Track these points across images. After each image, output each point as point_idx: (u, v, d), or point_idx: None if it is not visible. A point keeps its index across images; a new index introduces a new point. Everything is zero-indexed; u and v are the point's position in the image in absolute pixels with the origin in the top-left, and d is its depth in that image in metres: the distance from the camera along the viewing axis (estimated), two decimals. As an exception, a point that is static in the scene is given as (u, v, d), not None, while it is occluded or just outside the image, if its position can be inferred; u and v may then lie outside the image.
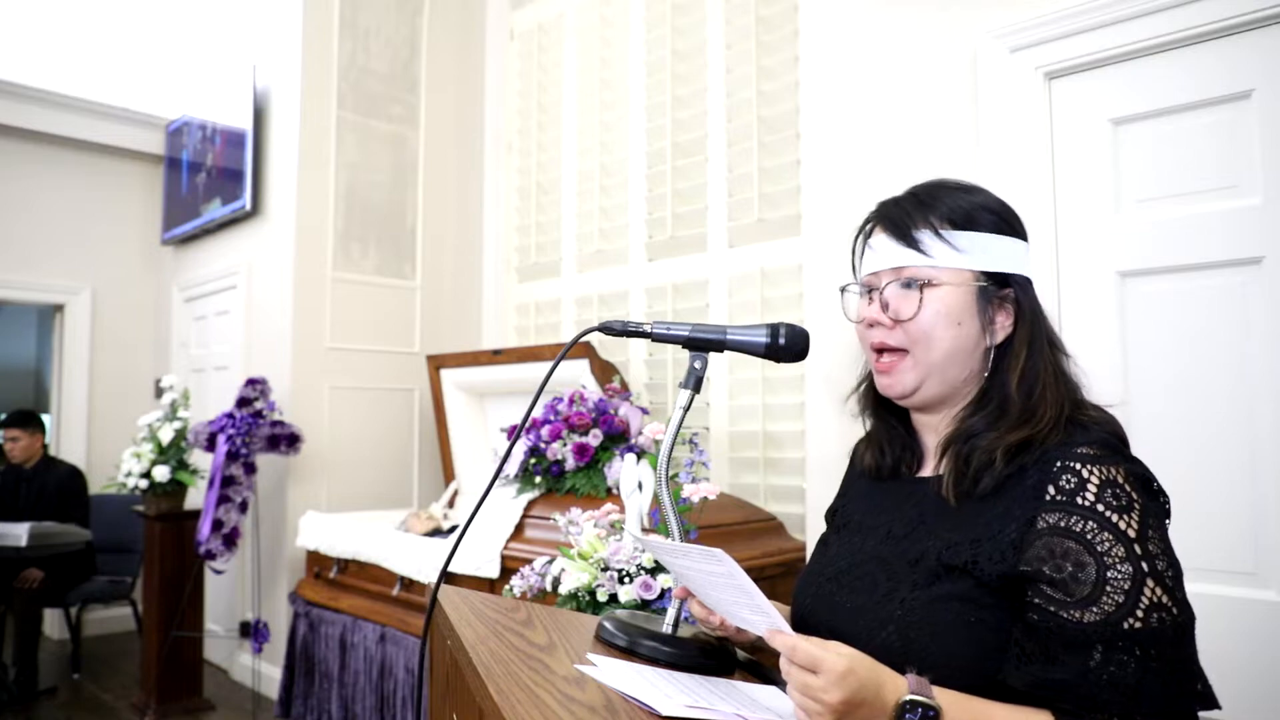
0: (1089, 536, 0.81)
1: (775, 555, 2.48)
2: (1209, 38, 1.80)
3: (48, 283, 4.98)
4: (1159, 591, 0.79)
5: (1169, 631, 0.78)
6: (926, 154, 2.24)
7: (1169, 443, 1.79)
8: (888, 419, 1.08)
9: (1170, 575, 0.80)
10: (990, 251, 0.96)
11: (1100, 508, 0.82)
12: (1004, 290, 0.97)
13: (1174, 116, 1.86)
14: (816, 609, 1.02)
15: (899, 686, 0.77)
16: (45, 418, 4.62)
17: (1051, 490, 0.85)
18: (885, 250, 0.99)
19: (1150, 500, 0.84)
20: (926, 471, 1.03)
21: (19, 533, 3.72)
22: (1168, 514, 0.87)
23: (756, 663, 1.04)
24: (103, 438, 5.06)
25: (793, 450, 2.83)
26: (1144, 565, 0.79)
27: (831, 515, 1.16)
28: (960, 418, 0.97)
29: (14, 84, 4.69)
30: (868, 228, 1.03)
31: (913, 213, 0.98)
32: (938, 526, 0.93)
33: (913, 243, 0.96)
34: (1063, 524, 0.83)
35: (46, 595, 4.08)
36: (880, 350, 1.00)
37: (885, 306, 0.98)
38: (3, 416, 4.50)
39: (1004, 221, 0.98)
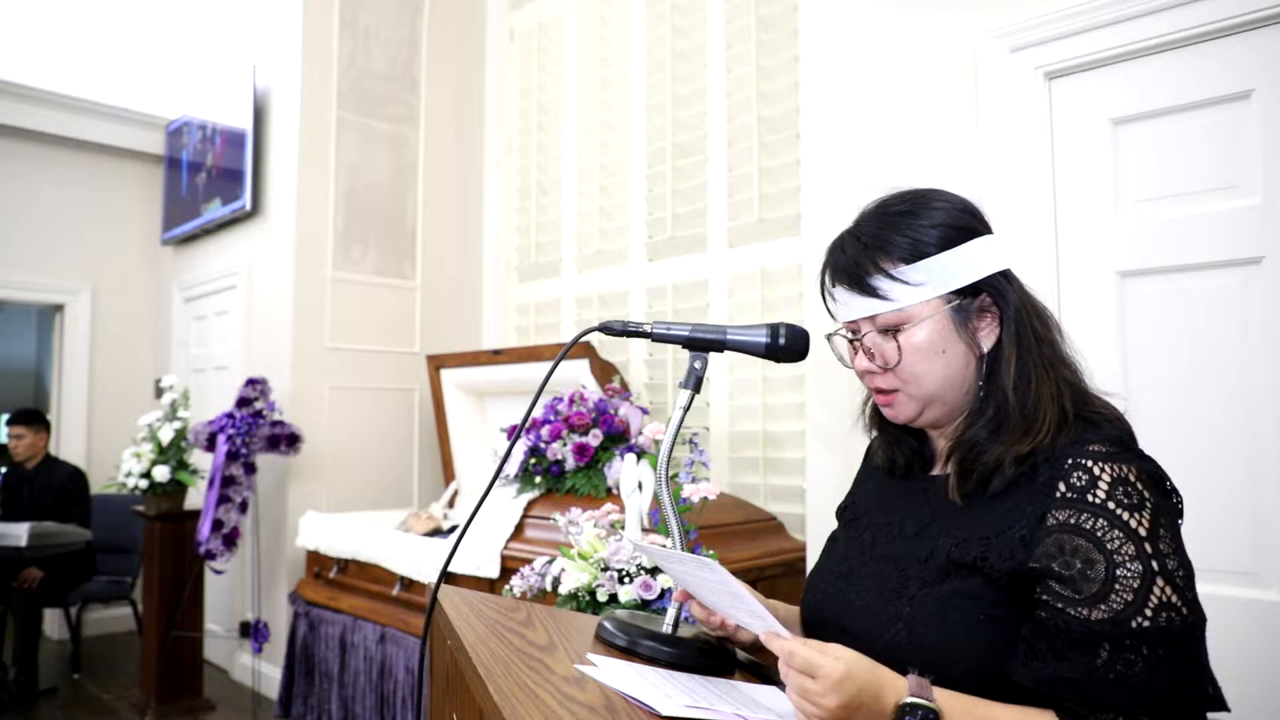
0: (1099, 534, 0.81)
1: (775, 555, 2.48)
2: (1209, 38, 1.80)
3: (48, 283, 4.98)
4: (1169, 591, 0.78)
5: (1178, 631, 0.77)
6: (926, 154, 2.24)
7: (1169, 443, 1.79)
8: (893, 430, 1.07)
9: (1181, 575, 0.80)
10: (950, 270, 0.93)
11: (1111, 505, 0.82)
12: (979, 298, 0.95)
13: (1174, 116, 1.86)
14: (826, 606, 1.02)
15: (899, 688, 0.77)
16: (48, 417, 4.62)
17: (1062, 487, 0.84)
18: (849, 302, 0.97)
19: (1162, 499, 0.84)
20: (937, 470, 1.03)
21: (19, 533, 3.73)
22: (1180, 513, 0.86)
23: (757, 663, 1.04)
24: (103, 438, 5.06)
25: (793, 450, 2.83)
26: (1154, 564, 0.79)
27: (842, 512, 1.16)
28: (962, 425, 0.96)
29: (14, 84, 4.69)
30: (825, 278, 1.01)
31: (861, 260, 0.95)
32: (948, 524, 0.93)
33: (871, 291, 0.94)
34: (1073, 521, 0.82)
35: (46, 595, 4.08)
36: (879, 390, 1.01)
37: (870, 355, 0.98)
38: (6, 416, 4.51)
39: (956, 230, 0.94)
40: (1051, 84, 2.04)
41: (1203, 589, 0.85)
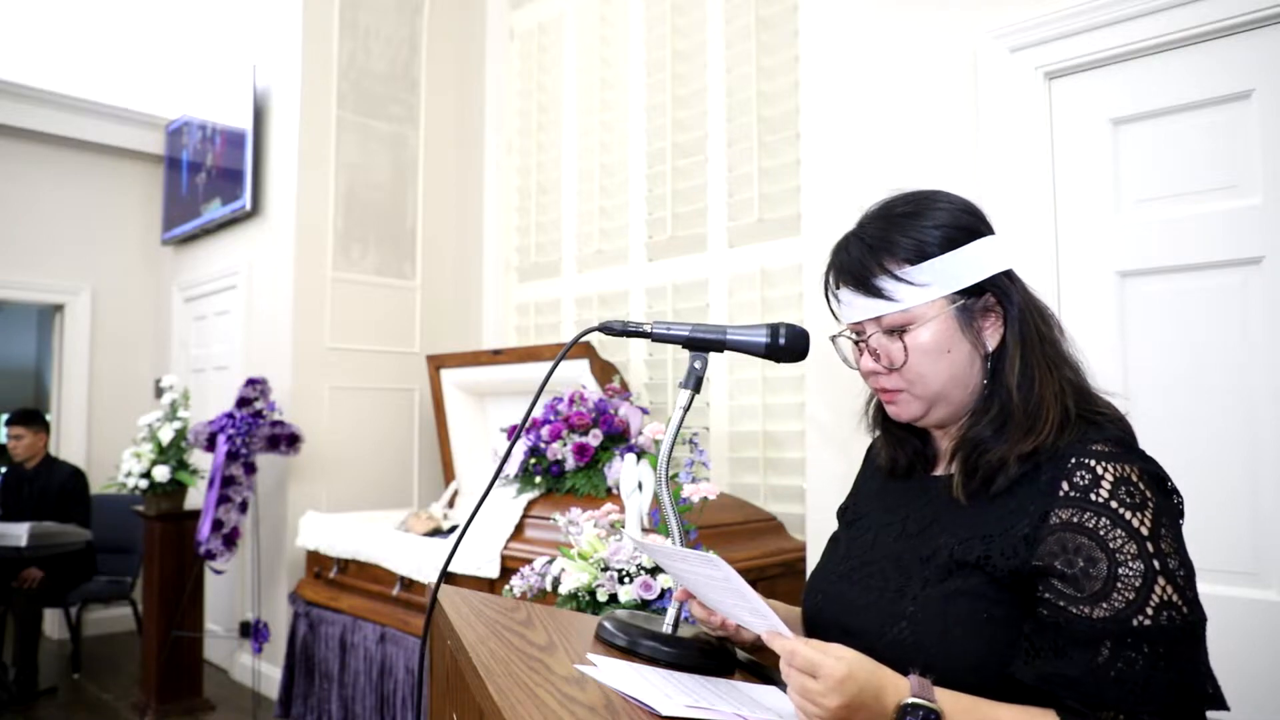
0: (1102, 533, 0.81)
1: (775, 555, 2.48)
2: (1209, 38, 1.80)
3: (48, 283, 4.98)
4: (1170, 590, 0.79)
5: (1179, 630, 0.78)
6: (926, 154, 2.24)
7: (1169, 443, 1.78)
8: (897, 431, 1.07)
9: (1182, 575, 0.80)
10: (954, 270, 0.94)
11: (1114, 504, 0.82)
12: (983, 297, 0.95)
13: (1174, 116, 1.86)
14: (827, 606, 1.02)
15: (900, 689, 0.77)
16: (47, 417, 4.62)
17: (1065, 486, 0.85)
18: (854, 303, 0.98)
19: (1164, 499, 0.84)
20: (939, 470, 1.03)
21: (19, 533, 3.73)
22: (1181, 514, 0.87)
23: (757, 663, 1.04)
24: (103, 438, 5.06)
25: (793, 450, 2.83)
26: (1155, 563, 0.79)
27: (843, 512, 1.16)
28: (967, 424, 0.97)
29: (14, 84, 4.69)
30: (830, 279, 1.02)
31: (866, 261, 0.96)
32: (951, 523, 0.93)
33: (876, 292, 0.95)
34: (1076, 520, 0.83)
35: (46, 595, 4.08)
36: (884, 390, 1.01)
37: (876, 355, 0.98)
38: (5, 416, 4.51)
39: (959, 231, 0.95)
40: (1051, 84, 2.04)
41: (1203, 589, 0.85)
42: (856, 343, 1.01)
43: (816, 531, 2.43)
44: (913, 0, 2.28)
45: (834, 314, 1.03)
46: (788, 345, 1.05)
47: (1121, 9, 1.87)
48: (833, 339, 1.05)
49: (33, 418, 4.41)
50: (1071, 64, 1.98)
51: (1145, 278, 1.89)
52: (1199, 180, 1.82)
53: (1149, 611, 0.78)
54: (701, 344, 1.07)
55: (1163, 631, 0.77)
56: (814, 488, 2.44)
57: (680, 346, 1.08)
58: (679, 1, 3.28)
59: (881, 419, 1.09)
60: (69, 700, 3.98)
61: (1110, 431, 0.89)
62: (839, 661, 0.75)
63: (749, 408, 2.97)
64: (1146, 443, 0.91)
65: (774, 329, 1.05)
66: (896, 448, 1.07)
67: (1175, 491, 0.87)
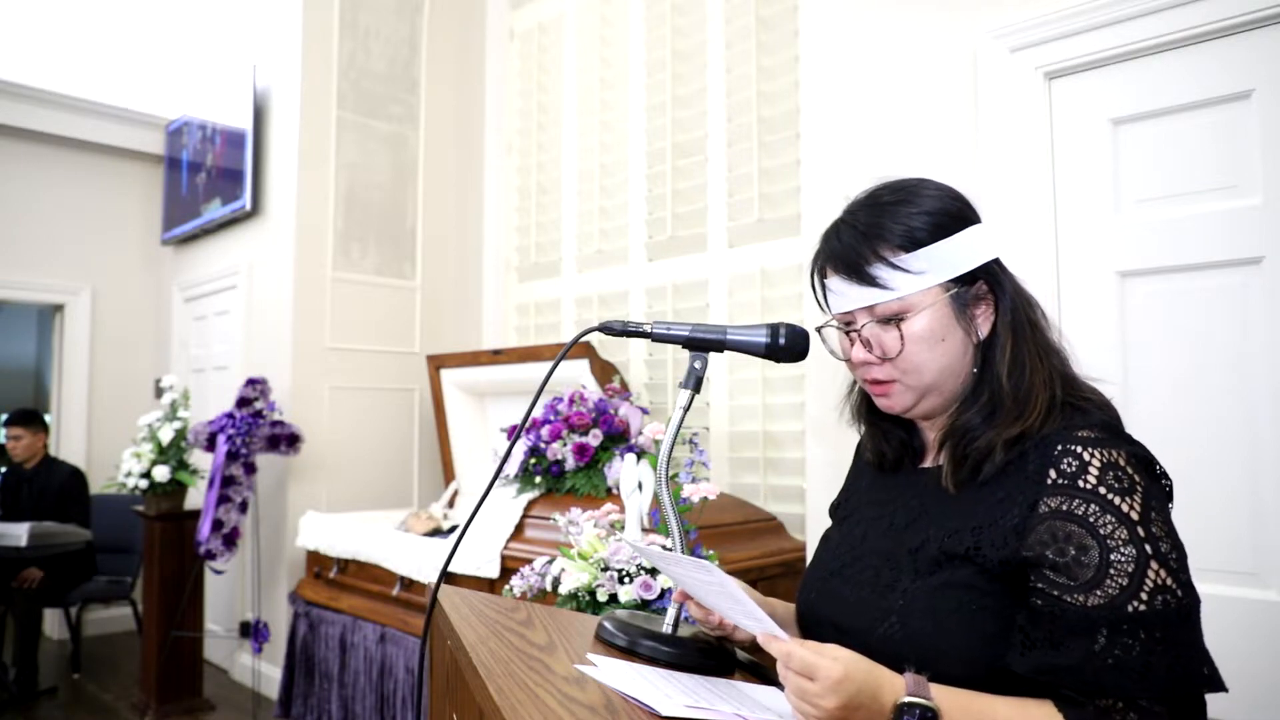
0: (1092, 519, 0.81)
1: (775, 555, 2.48)
2: (1209, 38, 1.80)
3: (48, 283, 4.98)
4: (1163, 574, 0.78)
5: (1174, 614, 0.77)
6: (926, 154, 2.24)
7: (1169, 443, 1.78)
8: (881, 423, 1.07)
9: (1174, 558, 0.80)
10: (949, 258, 0.93)
11: (1102, 490, 0.81)
12: (975, 285, 0.95)
13: (1174, 116, 1.86)
14: (819, 604, 1.02)
15: (897, 688, 0.77)
16: (46, 418, 4.62)
17: (1053, 474, 0.84)
18: (847, 292, 0.96)
19: (1152, 482, 0.84)
20: (928, 463, 1.03)
21: (19, 533, 3.73)
22: (1170, 496, 0.86)
23: (756, 663, 1.04)
24: (103, 438, 5.06)
25: (793, 450, 2.83)
26: (1148, 548, 0.79)
27: (835, 509, 1.16)
28: (956, 412, 0.96)
29: (14, 84, 4.69)
30: (819, 266, 1.00)
31: (859, 248, 0.94)
32: (939, 515, 0.93)
33: (870, 280, 0.94)
34: (1065, 507, 0.82)
35: (46, 595, 4.08)
36: (875, 381, 0.99)
37: (868, 345, 0.96)
38: (4, 416, 4.51)
39: (951, 219, 0.94)
40: (1051, 84, 2.04)
41: (1203, 589, 0.85)
42: (846, 332, 1.00)
43: (816, 531, 2.43)
44: (913, 0, 2.28)
45: (820, 304, 1.02)
46: (788, 345, 1.05)
47: (1121, 9, 1.87)
48: (819, 330, 1.03)
49: (31, 418, 4.41)
50: (1071, 64, 1.98)
51: (1145, 278, 1.89)
52: (1199, 180, 1.82)
53: (1144, 596, 0.78)
54: (701, 344, 1.07)
55: (1158, 616, 0.77)
56: (814, 488, 2.44)
57: (680, 346, 1.08)
58: (679, 1, 3.28)
59: (865, 411, 1.08)
60: (69, 700, 3.98)
61: (1096, 417, 0.89)
62: (835, 663, 0.75)
63: (749, 408, 2.97)
64: (1146, 442, 0.91)
65: (774, 329, 1.05)
66: (882, 440, 1.06)
67: (1164, 475, 0.87)
